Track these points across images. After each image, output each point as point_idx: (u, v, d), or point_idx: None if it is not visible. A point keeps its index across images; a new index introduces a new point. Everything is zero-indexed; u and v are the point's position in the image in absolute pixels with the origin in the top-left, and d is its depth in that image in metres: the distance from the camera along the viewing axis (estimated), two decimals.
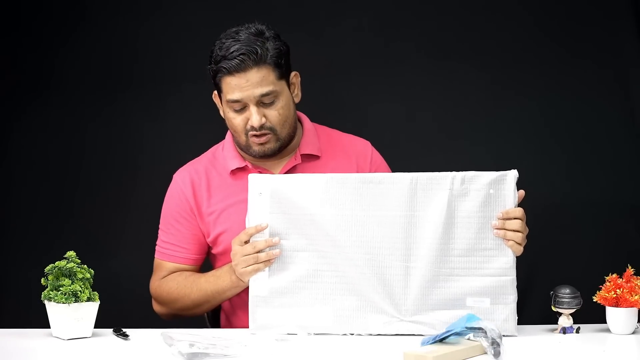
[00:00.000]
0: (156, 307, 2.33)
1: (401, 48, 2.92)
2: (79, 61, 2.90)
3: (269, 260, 2.04)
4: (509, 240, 2.01)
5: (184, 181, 2.31)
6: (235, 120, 2.21)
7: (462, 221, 2.01)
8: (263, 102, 2.18)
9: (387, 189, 2.02)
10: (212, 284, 2.19)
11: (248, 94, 2.16)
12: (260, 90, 2.16)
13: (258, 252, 2.04)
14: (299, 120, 2.33)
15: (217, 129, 2.79)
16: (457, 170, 2.03)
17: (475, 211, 2.01)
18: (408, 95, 2.92)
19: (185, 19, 2.91)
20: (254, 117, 2.17)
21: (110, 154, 2.91)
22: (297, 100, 2.27)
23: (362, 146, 2.35)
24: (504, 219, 2.01)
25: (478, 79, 2.92)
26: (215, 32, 2.91)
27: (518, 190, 2.03)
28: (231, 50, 2.16)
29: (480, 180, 2.02)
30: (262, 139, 2.20)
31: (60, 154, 2.90)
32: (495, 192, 2.02)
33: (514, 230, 2.01)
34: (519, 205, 2.03)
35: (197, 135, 2.87)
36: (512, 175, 2.02)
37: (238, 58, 2.15)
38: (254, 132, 2.19)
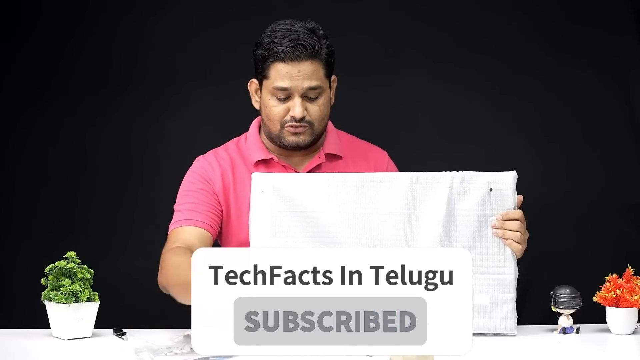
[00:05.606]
0: (159, 277, 2.14)
1: (400, 50, 2.92)
2: (80, 62, 2.90)
3: None
4: (507, 239, 2.02)
5: (211, 163, 2.27)
6: (275, 108, 2.20)
7: (461, 219, 2.02)
8: (308, 95, 2.19)
9: (387, 188, 2.02)
10: None
11: (297, 83, 2.17)
12: (309, 83, 2.17)
13: None
14: None
15: (216, 130, 2.81)
16: (457, 171, 2.03)
17: (474, 209, 2.02)
18: (407, 98, 2.92)
19: (186, 19, 2.91)
20: (298, 108, 2.18)
21: (110, 154, 2.90)
22: (331, 103, 2.29)
23: (380, 155, 2.37)
24: (503, 220, 2.02)
25: (477, 80, 2.91)
26: (216, 32, 2.93)
27: (517, 194, 2.04)
28: (287, 39, 2.16)
29: (480, 179, 2.02)
30: (299, 130, 2.20)
31: (61, 155, 2.90)
32: (495, 191, 2.02)
33: (513, 231, 2.01)
34: (519, 209, 2.04)
35: (200, 135, 2.87)
36: (512, 176, 2.03)
37: (295, 47, 2.15)
38: (292, 123, 2.19)
